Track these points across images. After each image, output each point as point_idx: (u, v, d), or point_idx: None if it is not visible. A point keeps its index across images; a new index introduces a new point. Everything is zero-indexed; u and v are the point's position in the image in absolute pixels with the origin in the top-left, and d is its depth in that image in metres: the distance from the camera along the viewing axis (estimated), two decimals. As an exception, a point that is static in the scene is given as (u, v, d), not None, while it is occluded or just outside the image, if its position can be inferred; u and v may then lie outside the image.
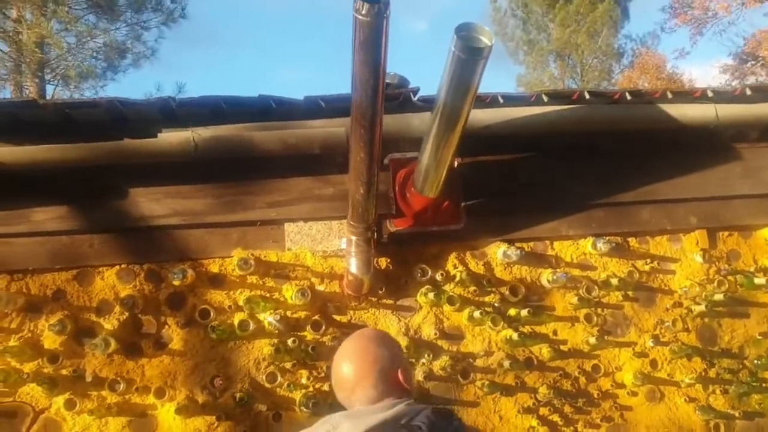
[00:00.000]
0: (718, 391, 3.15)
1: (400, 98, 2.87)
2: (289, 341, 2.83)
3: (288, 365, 2.88)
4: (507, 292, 3.04)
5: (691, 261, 3.21)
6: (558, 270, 3.08)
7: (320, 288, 2.96)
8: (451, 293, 2.98)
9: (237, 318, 2.87)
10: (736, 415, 3.13)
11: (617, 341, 3.11)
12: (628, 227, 3.19)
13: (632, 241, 3.20)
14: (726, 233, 3.28)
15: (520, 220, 3.10)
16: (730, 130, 3.18)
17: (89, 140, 2.74)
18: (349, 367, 1.68)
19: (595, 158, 3.15)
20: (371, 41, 1.82)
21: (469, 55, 2.03)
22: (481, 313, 2.93)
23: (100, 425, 2.78)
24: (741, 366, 3.18)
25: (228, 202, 2.94)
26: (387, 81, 2.64)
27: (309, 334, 2.91)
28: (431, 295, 2.94)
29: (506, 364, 2.97)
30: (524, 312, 2.97)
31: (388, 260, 3.01)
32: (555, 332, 3.08)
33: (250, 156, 2.84)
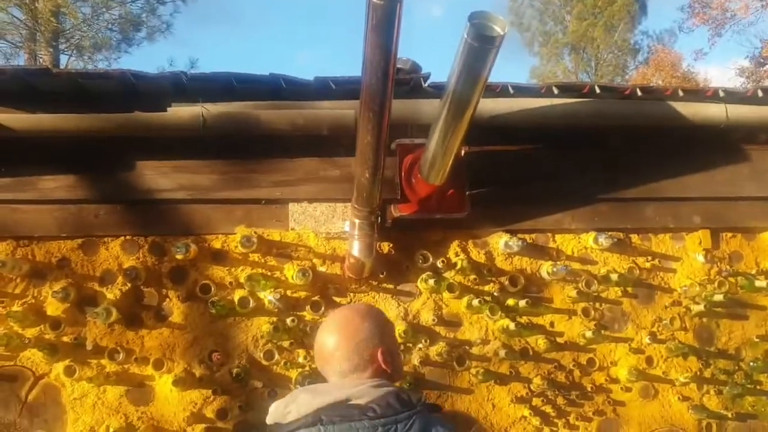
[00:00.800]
0: (712, 392, 3.16)
1: (410, 83, 2.87)
2: (288, 320, 2.86)
3: (286, 344, 2.91)
4: (506, 282, 3.06)
5: (693, 260, 3.21)
6: (558, 263, 3.08)
7: (321, 269, 2.98)
8: (451, 281, 2.99)
9: (237, 295, 2.89)
10: (729, 416, 3.14)
11: (614, 336, 3.12)
12: (632, 223, 3.19)
13: (634, 238, 3.20)
14: (729, 234, 3.27)
15: (524, 211, 3.10)
16: (739, 131, 3.16)
17: (100, 111, 2.76)
18: (329, 336, 1.65)
19: (603, 153, 3.15)
20: (384, 24, 1.82)
21: (481, 44, 2.01)
22: (479, 302, 2.95)
23: (98, 393, 2.82)
24: (737, 367, 3.19)
25: (234, 179, 2.96)
26: (399, 66, 2.65)
27: (308, 314, 2.93)
28: (431, 282, 2.95)
29: (502, 353, 2.99)
30: (522, 303, 2.98)
31: (391, 245, 3.03)
32: (552, 324, 3.09)
33: (257, 134, 2.85)
